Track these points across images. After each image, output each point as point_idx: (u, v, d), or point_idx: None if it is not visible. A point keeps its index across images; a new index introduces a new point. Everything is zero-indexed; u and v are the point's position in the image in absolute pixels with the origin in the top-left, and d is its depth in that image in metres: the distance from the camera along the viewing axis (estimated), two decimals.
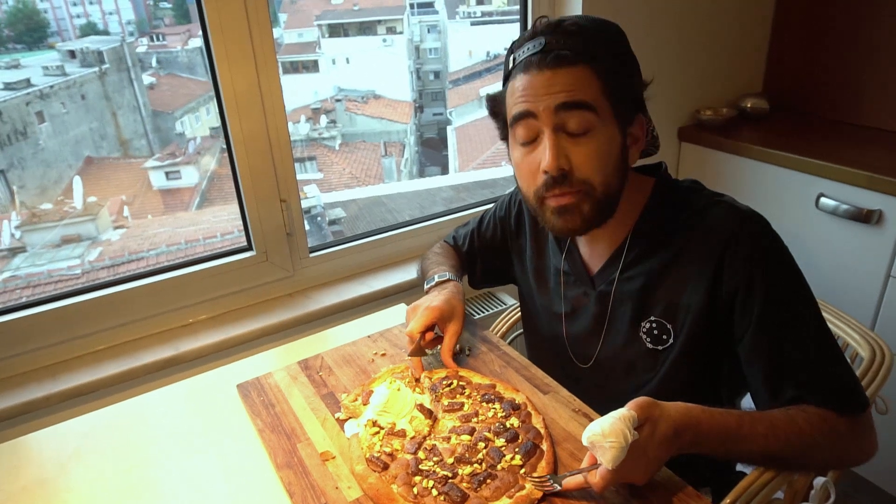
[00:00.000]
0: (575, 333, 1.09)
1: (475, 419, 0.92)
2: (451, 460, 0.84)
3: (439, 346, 1.06)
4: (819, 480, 1.07)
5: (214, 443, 0.97)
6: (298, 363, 1.12)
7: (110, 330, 1.37)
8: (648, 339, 0.98)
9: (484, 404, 0.95)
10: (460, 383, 1.00)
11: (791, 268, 0.90)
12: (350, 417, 0.98)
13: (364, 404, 0.99)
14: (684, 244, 0.94)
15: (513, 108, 0.91)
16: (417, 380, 1.02)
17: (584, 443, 0.74)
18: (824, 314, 0.91)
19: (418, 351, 1.03)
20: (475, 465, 0.83)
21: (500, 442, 0.86)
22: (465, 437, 0.88)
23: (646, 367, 0.99)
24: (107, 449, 0.97)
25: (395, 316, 1.28)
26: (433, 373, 1.04)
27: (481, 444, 0.86)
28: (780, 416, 0.84)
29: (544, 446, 0.86)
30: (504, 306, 1.72)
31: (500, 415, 0.92)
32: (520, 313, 1.30)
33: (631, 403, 0.76)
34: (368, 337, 1.19)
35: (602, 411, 0.95)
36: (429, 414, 0.97)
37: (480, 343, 1.14)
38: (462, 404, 0.95)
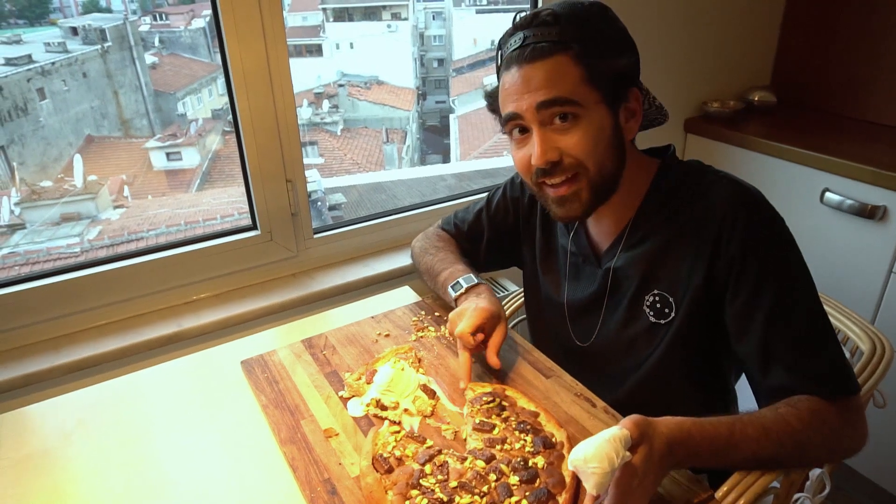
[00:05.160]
0: (578, 311, 1.10)
1: (499, 446, 0.85)
2: (454, 483, 0.79)
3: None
4: (815, 472, 1.07)
5: (218, 417, 0.97)
6: (302, 342, 1.12)
7: (113, 305, 1.36)
8: (651, 313, 0.99)
9: (516, 433, 0.86)
10: (502, 402, 0.92)
11: (787, 246, 0.90)
12: (353, 396, 0.98)
13: (368, 383, 0.99)
14: (686, 221, 0.95)
15: (503, 108, 0.94)
16: (466, 383, 0.98)
17: (570, 467, 0.70)
18: (825, 307, 0.91)
19: (471, 349, 1.00)
20: (475, 497, 0.77)
21: (513, 479, 0.79)
22: (480, 464, 0.82)
23: (647, 342, 1.00)
24: (110, 421, 0.98)
25: (398, 298, 1.28)
26: (478, 385, 0.98)
27: (492, 476, 0.80)
28: (771, 416, 0.83)
29: (562, 498, 0.77)
30: (506, 292, 1.72)
31: (527, 449, 0.84)
32: (522, 299, 1.30)
33: (625, 421, 0.73)
34: (372, 318, 1.19)
35: (604, 391, 0.96)
36: (432, 394, 0.97)
37: None
38: (493, 426, 0.88)
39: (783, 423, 0.82)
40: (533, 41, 0.88)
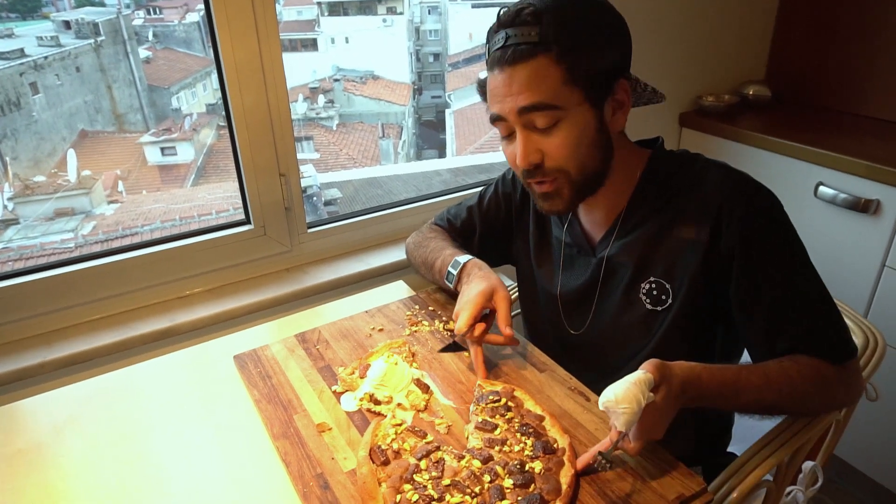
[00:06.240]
0: (571, 301, 1.10)
1: (498, 447, 0.84)
2: (447, 481, 0.78)
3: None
4: (808, 465, 1.08)
5: (210, 412, 0.97)
6: (296, 336, 1.12)
7: (106, 300, 1.36)
8: (647, 300, 1.00)
9: (517, 435, 0.85)
10: (508, 403, 0.91)
11: (784, 230, 0.93)
12: (347, 390, 0.98)
13: (361, 377, 0.99)
14: (682, 207, 0.96)
15: (489, 106, 0.96)
16: (482, 378, 0.98)
17: (600, 407, 0.77)
18: None
19: (478, 341, 1.00)
20: (466, 497, 0.76)
21: (507, 482, 0.78)
22: (476, 463, 0.81)
23: (643, 329, 1.01)
24: (103, 416, 0.97)
25: (392, 293, 1.28)
26: (488, 383, 0.96)
27: (487, 477, 0.79)
28: (774, 367, 0.89)
29: None
30: None
31: (526, 453, 0.83)
32: (516, 294, 1.30)
33: (646, 364, 0.79)
34: (366, 312, 1.19)
35: (600, 382, 0.96)
36: (425, 388, 0.97)
37: None
38: (495, 426, 0.87)
39: (785, 375, 0.88)
40: (514, 42, 0.87)
